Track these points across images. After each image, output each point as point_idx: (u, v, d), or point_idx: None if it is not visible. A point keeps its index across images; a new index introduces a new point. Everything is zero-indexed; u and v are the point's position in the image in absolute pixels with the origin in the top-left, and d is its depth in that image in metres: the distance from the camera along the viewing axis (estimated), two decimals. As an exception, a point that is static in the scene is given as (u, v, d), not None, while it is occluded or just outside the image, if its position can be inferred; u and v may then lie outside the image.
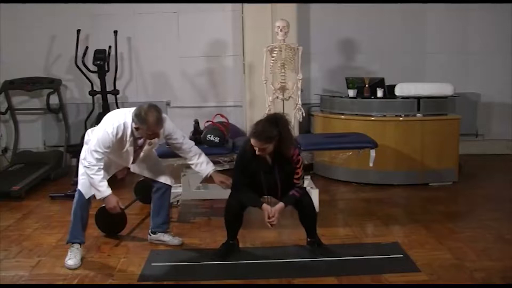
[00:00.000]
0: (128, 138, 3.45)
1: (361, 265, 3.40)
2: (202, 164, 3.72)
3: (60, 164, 6.08)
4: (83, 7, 6.31)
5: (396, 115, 5.43)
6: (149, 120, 3.31)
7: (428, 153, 5.36)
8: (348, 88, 5.73)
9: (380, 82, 5.65)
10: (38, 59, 6.44)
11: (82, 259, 3.50)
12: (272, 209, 3.41)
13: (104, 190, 3.41)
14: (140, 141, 3.56)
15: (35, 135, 6.57)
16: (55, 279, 3.25)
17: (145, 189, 4.29)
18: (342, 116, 5.60)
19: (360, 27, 6.54)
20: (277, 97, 5.27)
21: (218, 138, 4.32)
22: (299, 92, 5.25)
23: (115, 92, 6.09)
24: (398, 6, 6.44)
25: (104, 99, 6.00)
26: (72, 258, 3.43)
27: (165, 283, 3.21)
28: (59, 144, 6.45)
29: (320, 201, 4.38)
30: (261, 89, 5.35)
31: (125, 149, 3.50)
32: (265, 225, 3.45)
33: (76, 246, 3.51)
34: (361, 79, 5.76)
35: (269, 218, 3.39)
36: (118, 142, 3.43)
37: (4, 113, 6.34)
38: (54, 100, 6.23)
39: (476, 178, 5.67)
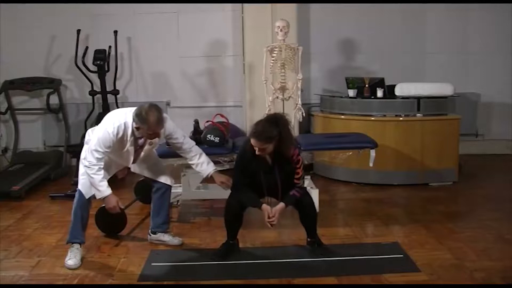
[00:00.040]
0: (128, 138, 3.45)
1: (361, 265, 3.40)
2: (203, 164, 3.72)
3: (60, 164, 6.08)
4: (83, 7, 6.31)
5: (396, 115, 5.43)
6: (149, 119, 3.31)
7: (428, 153, 5.36)
8: (348, 88, 5.73)
9: (380, 82, 5.65)
10: (38, 59, 6.44)
11: (82, 259, 3.50)
12: (273, 209, 3.41)
13: (104, 190, 3.41)
14: (141, 141, 3.56)
15: (35, 135, 6.57)
16: (55, 279, 3.25)
17: (145, 189, 4.29)
18: (342, 116, 5.60)
19: (360, 27, 6.54)
20: (277, 97, 5.27)
21: (218, 138, 4.32)
22: (299, 92, 5.25)
23: (115, 92, 6.09)
24: (398, 6, 6.44)
25: (104, 99, 6.00)
26: (72, 258, 3.43)
27: (165, 283, 3.21)
28: (59, 144, 6.45)
29: (320, 201, 4.38)
30: (261, 89, 5.35)
31: (125, 149, 3.50)
32: (265, 225, 3.45)
33: (76, 246, 3.51)
34: (361, 79, 5.76)
35: (269, 218, 3.39)
36: (119, 142, 3.43)
37: (4, 113, 6.34)
38: (54, 100, 6.24)
39: (476, 178, 5.67)
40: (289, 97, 5.28)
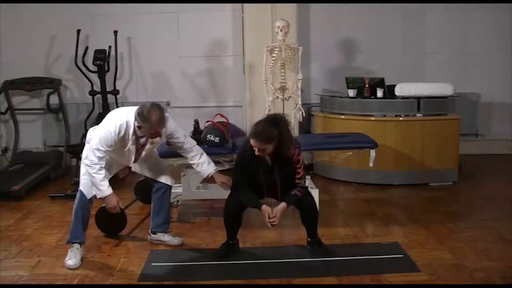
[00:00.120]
0: (130, 137, 3.45)
1: (361, 265, 3.40)
2: (204, 164, 3.72)
3: (60, 164, 6.08)
4: (83, 7, 6.31)
5: (396, 115, 5.43)
6: (151, 119, 3.31)
7: (428, 153, 5.36)
8: (348, 88, 5.73)
9: (380, 82, 5.65)
10: (38, 59, 6.44)
11: (82, 259, 3.50)
12: (274, 209, 3.41)
13: (105, 189, 3.41)
14: (142, 140, 3.56)
15: (35, 135, 6.57)
16: (55, 279, 3.25)
17: (145, 189, 4.28)
18: (342, 116, 5.60)
19: (360, 27, 6.54)
20: (277, 97, 5.27)
21: (218, 138, 4.32)
22: (299, 92, 5.25)
23: (115, 92, 6.09)
24: (398, 6, 6.44)
25: (104, 99, 6.01)
26: (72, 258, 3.43)
27: (165, 283, 3.21)
28: (59, 144, 6.45)
29: (320, 201, 4.37)
30: (261, 89, 5.35)
31: (127, 148, 3.49)
32: (265, 225, 3.45)
33: (76, 246, 3.50)
34: (361, 79, 5.76)
35: (269, 218, 3.39)
36: (120, 141, 3.43)
37: (4, 113, 6.34)
38: (54, 100, 6.23)
39: (476, 178, 5.67)
40: (289, 97, 5.28)
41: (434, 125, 5.37)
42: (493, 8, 6.46)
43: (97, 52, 5.88)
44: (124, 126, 3.40)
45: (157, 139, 3.58)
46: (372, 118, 5.45)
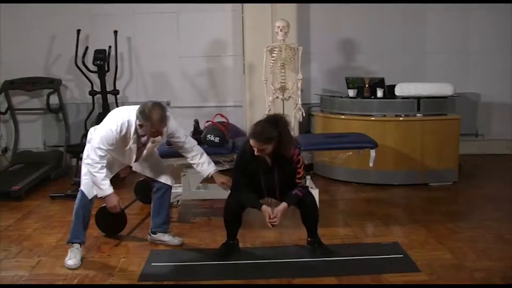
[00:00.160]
0: (131, 136, 3.44)
1: (361, 265, 3.40)
2: (204, 164, 3.72)
3: (60, 164, 6.08)
4: (83, 7, 6.31)
5: (396, 115, 5.43)
6: (153, 117, 3.31)
7: (428, 153, 5.36)
8: (348, 88, 5.73)
9: (380, 82, 5.65)
10: (38, 59, 6.44)
11: (82, 259, 3.50)
12: (275, 209, 3.40)
13: (106, 188, 3.40)
14: (144, 139, 3.55)
15: (35, 135, 6.57)
16: (55, 279, 3.25)
17: (145, 189, 4.28)
18: (342, 116, 5.60)
19: (360, 27, 6.54)
20: (277, 97, 5.27)
21: (218, 138, 4.32)
22: (299, 92, 5.25)
23: (115, 92, 6.10)
24: (398, 6, 6.44)
25: (104, 99, 6.01)
26: (72, 258, 3.43)
27: (165, 283, 3.21)
28: (59, 144, 6.45)
29: (320, 201, 4.37)
30: (261, 89, 5.35)
31: (128, 147, 3.49)
32: (265, 225, 3.44)
33: (76, 246, 3.50)
34: (361, 79, 5.76)
35: (270, 218, 3.38)
36: (122, 139, 3.42)
37: (4, 113, 6.34)
38: (54, 100, 6.23)
39: (476, 178, 5.67)
40: (289, 97, 5.28)
41: (434, 125, 5.37)
42: (493, 8, 6.46)
43: (97, 52, 5.89)
44: (126, 124, 3.40)
45: (159, 138, 3.57)
46: (372, 118, 5.45)
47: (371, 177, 5.37)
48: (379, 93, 5.54)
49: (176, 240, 3.79)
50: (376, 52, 6.58)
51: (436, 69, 6.57)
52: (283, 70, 5.18)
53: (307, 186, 3.63)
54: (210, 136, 4.31)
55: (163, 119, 3.37)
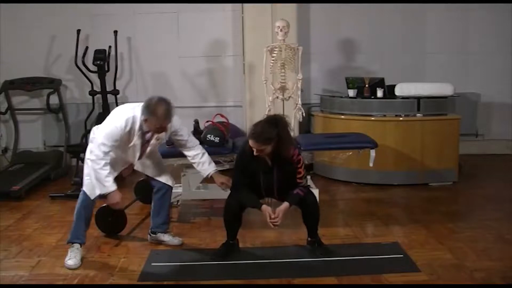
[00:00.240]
0: (136, 132, 3.42)
1: (361, 265, 3.40)
2: (204, 164, 3.72)
3: (60, 164, 6.08)
4: (83, 7, 6.31)
5: (396, 115, 5.43)
6: (158, 112, 3.29)
7: (428, 153, 5.36)
8: (348, 88, 5.73)
9: (380, 82, 5.65)
10: (38, 59, 6.44)
11: (82, 259, 3.50)
12: (277, 209, 3.40)
13: (110, 185, 3.37)
14: (148, 135, 3.53)
15: (35, 135, 6.57)
16: (55, 279, 3.25)
17: (145, 189, 4.28)
18: (342, 116, 5.60)
19: (360, 27, 6.54)
20: (277, 97, 5.27)
21: (218, 138, 4.32)
22: (299, 92, 5.25)
23: (115, 92, 6.10)
24: (398, 6, 6.44)
25: (104, 99, 6.01)
26: (72, 258, 3.42)
27: (165, 283, 3.21)
28: (59, 144, 6.45)
29: (320, 201, 4.33)
30: (261, 89, 5.35)
31: (132, 143, 3.46)
32: (266, 225, 3.44)
33: (77, 246, 3.50)
34: (361, 79, 5.76)
35: (271, 218, 3.38)
36: (126, 136, 3.40)
37: (4, 113, 6.34)
38: (54, 100, 6.23)
39: (476, 178, 5.67)
40: (289, 97, 5.28)
41: (434, 125, 5.37)
42: (493, 8, 6.46)
43: (97, 52, 5.89)
44: (131, 120, 3.38)
45: (162, 134, 3.54)
46: (372, 118, 5.45)
47: (371, 177, 5.37)
48: (379, 93, 5.54)
49: (176, 240, 3.79)
50: (376, 52, 6.58)
51: (436, 69, 6.57)
52: (283, 70, 5.19)
53: (309, 185, 3.63)
54: (210, 136, 4.31)
55: (169, 114, 3.34)
